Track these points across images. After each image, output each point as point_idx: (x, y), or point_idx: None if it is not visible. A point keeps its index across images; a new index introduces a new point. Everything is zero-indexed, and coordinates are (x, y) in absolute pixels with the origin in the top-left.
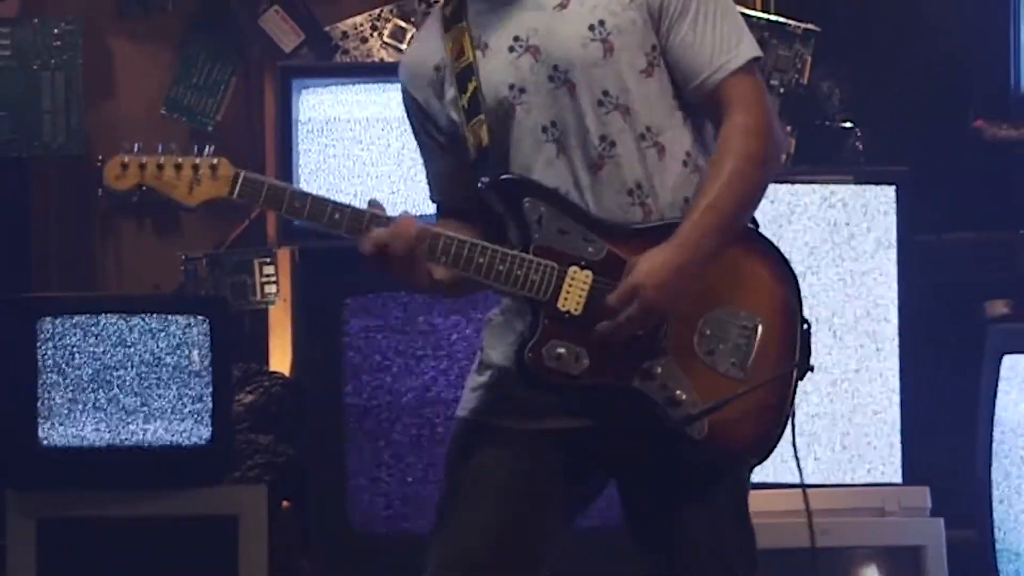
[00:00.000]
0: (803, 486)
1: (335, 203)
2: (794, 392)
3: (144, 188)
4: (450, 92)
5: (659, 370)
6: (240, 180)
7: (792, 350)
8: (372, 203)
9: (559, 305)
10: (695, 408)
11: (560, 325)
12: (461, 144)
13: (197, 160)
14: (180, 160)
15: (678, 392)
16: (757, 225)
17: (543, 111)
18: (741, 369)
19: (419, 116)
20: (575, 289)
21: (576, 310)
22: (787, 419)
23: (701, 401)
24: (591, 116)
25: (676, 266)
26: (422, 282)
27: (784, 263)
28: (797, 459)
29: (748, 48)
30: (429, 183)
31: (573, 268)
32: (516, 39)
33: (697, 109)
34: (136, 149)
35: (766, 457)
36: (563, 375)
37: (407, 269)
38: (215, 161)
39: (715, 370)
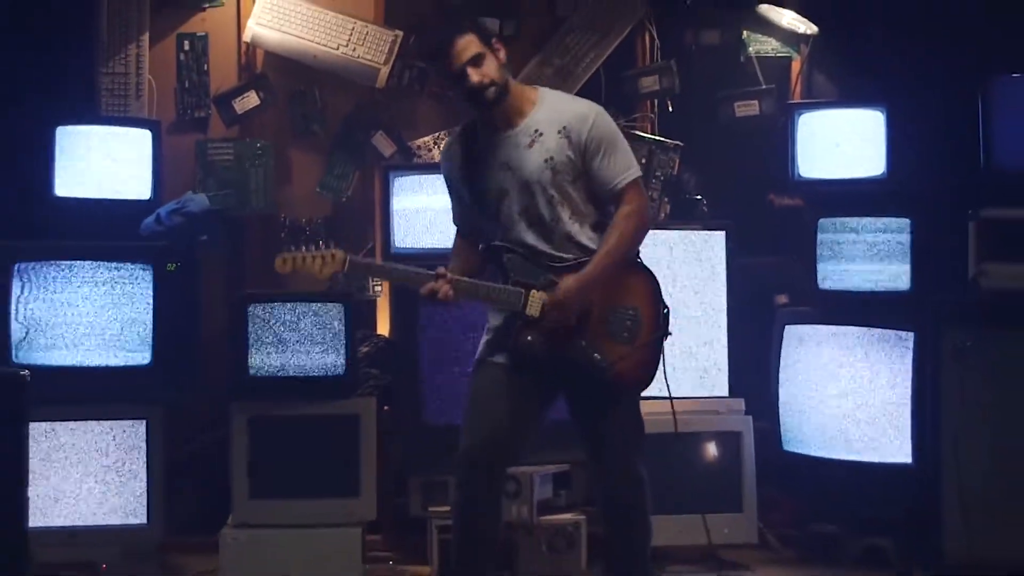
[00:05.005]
0: (671, 398)
1: (402, 268)
2: (662, 349)
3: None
4: (464, 188)
5: (583, 343)
6: (348, 261)
7: (658, 325)
8: (437, 270)
9: (526, 312)
10: (604, 363)
11: (528, 323)
12: (470, 211)
13: (324, 253)
14: (314, 254)
15: (595, 355)
16: (638, 254)
17: (518, 204)
18: (629, 339)
19: (450, 186)
20: (534, 302)
21: (535, 314)
22: (657, 367)
23: (606, 359)
24: (544, 207)
25: (579, 288)
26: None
27: (652, 277)
28: (667, 384)
29: (634, 171)
30: (453, 215)
31: (532, 290)
32: (503, 163)
33: (603, 199)
34: (291, 249)
35: (646, 387)
36: (532, 355)
37: (443, 302)
38: (334, 253)
39: (615, 341)
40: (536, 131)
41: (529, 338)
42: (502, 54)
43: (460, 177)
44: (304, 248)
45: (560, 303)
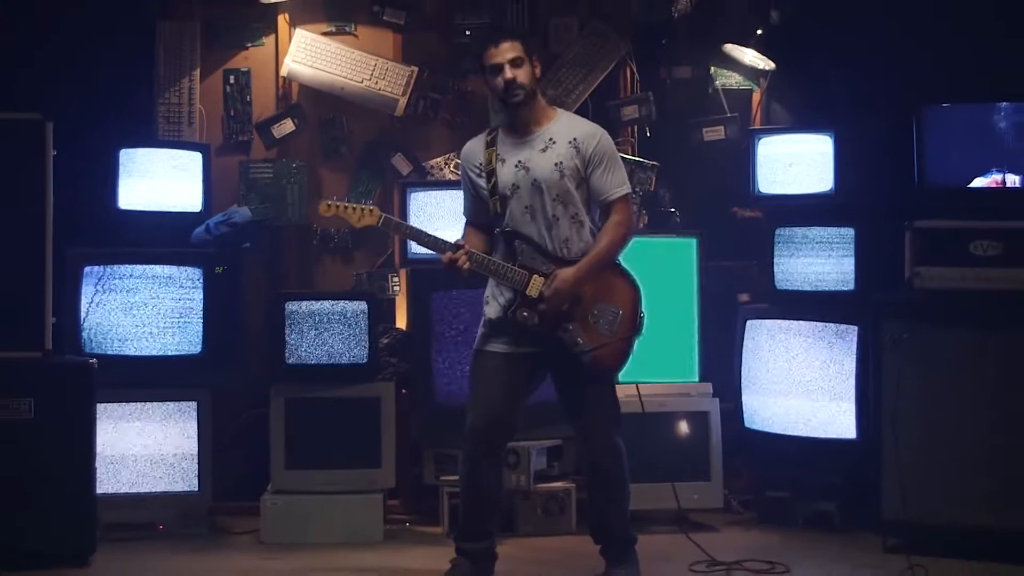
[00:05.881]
0: (636, 383)
1: (429, 234)
2: (634, 346)
3: (335, 217)
4: (482, 180)
5: (570, 328)
6: (382, 218)
7: (635, 324)
8: (456, 242)
9: (527, 292)
10: (587, 347)
11: (526, 301)
12: (484, 202)
13: (363, 206)
14: (355, 205)
15: (579, 340)
16: (620, 262)
17: (526, 199)
18: (610, 331)
19: (466, 179)
20: (534, 285)
21: (534, 295)
22: (628, 359)
23: (590, 345)
24: (549, 206)
25: (573, 280)
26: (465, 276)
27: (638, 286)
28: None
29: (625, 188)
30: (464, 207)
31: (534, 275)
32: (519, 162)
33: (596, 207)
34: (334, 198)
35: (617, 374)
36: (524, 325)
37: (460, 272)
38: (371, 207)
39: (598, 331)
40: (551, 139)
41: (525, 314)
42: (538, 70)
43: (478, 170)
44: (346, 200)
45: (556, 291)
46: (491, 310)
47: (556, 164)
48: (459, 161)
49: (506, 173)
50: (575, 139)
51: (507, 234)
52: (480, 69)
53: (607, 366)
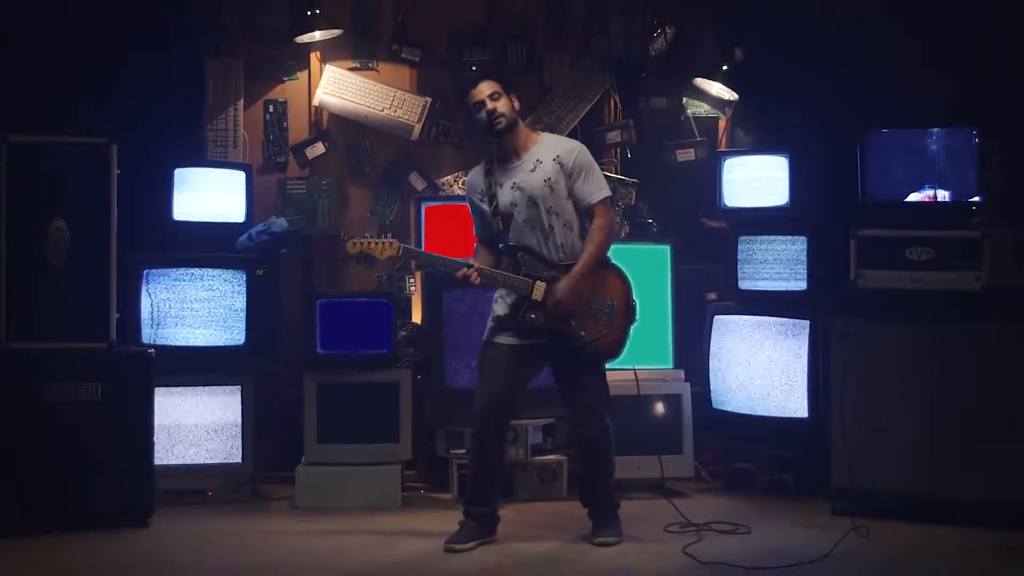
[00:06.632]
0: (634, 369)
1: (443, 257)
2: (630, 332)
3: (361, 253)
4: (484, 204)
5: (573, 323)
6: (401, 248)
7: (628, 314)
8: (467, 262)
9: (532, 296)
10: (587, 339)
11: (531, 304)
12: (489, 222)
13: (383, 240)
14: (376, 240)
15: (581, 332)
16: (610, 258)
17: (524, 215)
18: (607, 323)
19: (472, 204)
20: (538, 289)
21: (538, 299)
22: (625, 345)
23: (591, 336)
24: (544, 217)
25: (571, 287)
26: (476, 288)
27: (627, 279)
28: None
29: (604, 192)
30: (475, 228)
31: (537, 281)
32: (514, 184)
33: (583, 213)
34: (358, 236)
35: (616, 359)
36: (531, 325)
37: (472, 286)
38: (391, 240)
39: (597, 323)
40: (537, 160)
41: (532, 316)
42: (516, 103)
43: (480, 196)
44: (368, 237)
45: (559, 300)
46: (499, 308)
47: (545, 180)
48: (466, 181)
49: (505, 195)
50: (558, 156)
51: (511, 248)
52: (467, 111)
53: (607, 354)
